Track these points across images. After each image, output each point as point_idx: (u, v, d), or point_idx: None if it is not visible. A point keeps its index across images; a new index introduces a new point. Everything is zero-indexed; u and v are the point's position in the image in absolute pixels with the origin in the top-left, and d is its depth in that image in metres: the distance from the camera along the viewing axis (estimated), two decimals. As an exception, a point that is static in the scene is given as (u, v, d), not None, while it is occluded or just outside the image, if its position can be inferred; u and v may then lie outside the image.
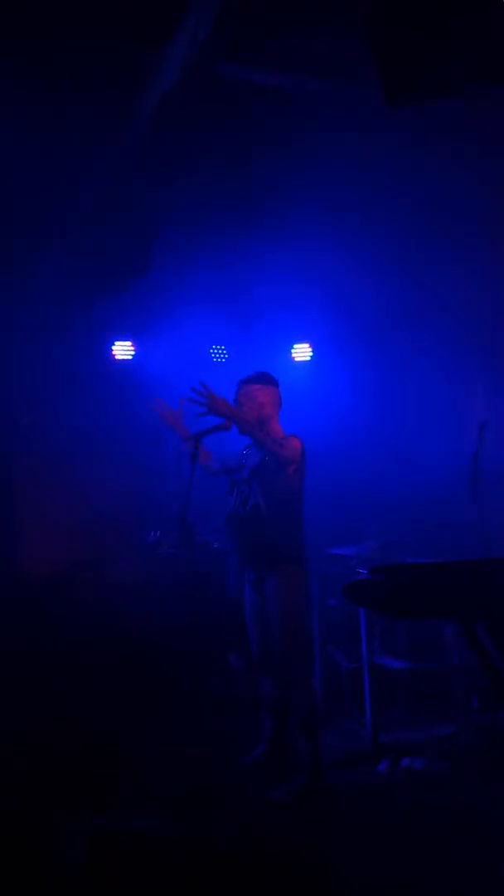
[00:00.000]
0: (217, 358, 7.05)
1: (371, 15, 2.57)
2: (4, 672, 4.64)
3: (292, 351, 7.07)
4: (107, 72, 4.30)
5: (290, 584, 4.09)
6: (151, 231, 5.28)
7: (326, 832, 3.60)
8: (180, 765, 4.02)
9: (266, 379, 4.36)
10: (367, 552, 5.16)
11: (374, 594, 2.59)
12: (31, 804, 3.57)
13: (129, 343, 6.78)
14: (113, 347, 6.74)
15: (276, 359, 6.68)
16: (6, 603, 5.34)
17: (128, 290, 5.65)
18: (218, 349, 7.05)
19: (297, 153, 4.96)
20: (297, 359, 7.08)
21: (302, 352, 7.08)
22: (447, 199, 5.43)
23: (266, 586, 4.14)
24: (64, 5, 3.90)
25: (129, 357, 6.79)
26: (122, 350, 6.78)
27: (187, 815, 3.57)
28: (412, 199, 5.48)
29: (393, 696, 5.04)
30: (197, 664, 4.93)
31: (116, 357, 6.76)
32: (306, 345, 7.07)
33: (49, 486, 6.01)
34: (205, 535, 5.61)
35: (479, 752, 4.30)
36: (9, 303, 5.88)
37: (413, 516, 5.65)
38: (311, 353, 7.07)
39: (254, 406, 4.27)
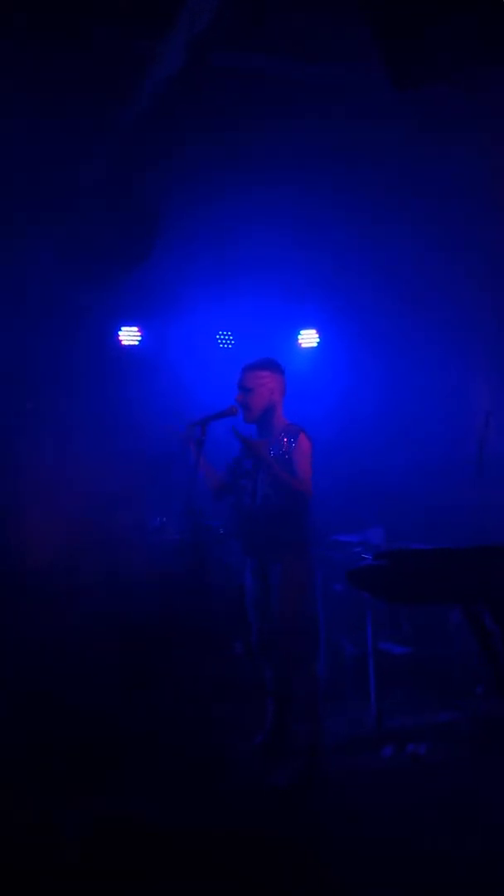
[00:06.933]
0: (223, 344, 7.03)
1: None
2: (4, 655, 4.66)
3: (299, 337, 7.05)
4: (109, 54, 4.28)
5: (294, 571, 4.08)
6: (155, 215, 5.26)
7: (326, 817, 3.60)
8: (181, 750, 4.03)
9: (275, 366, 4.34)
10: (371, 538, 5.17)
11: (378, 580, 2.60)
12: (31, 789, 3.59)
13: (135, 328, 6.77)
14: (119, 333, 6.74)
15: (282, 345, 6.67)
16: (8, 586, 5.35)
17: (133, 276, 5.63)
18: (224, 335, 7.04)
19: (300, 137, 4.92)
20: (303, 345, 7.06)
21: (309, 338, 7.06)
22: (454, 185, 5.40)
23: (270, 574, 4.14)
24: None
25: (136, 342, 6.78)
26: (129, 336, 6.77)
27: (187, 799, 3.58)
28: (419, 184, 5.44)
29: (397, 681, 5.06)
30: (200, 649, 4.94)
31: (123, 342, 6.75)
32: (313, 331, 7.04)
33: (53, 472, 6.01)
34: (210, 520, 5.60)
35: (482, 738, 4.31)
36: (13, 286, 5.86)
37: (418, 503, 5.65)
38: (317, 340, 7.04)
39: (264, 392, 4.25)
